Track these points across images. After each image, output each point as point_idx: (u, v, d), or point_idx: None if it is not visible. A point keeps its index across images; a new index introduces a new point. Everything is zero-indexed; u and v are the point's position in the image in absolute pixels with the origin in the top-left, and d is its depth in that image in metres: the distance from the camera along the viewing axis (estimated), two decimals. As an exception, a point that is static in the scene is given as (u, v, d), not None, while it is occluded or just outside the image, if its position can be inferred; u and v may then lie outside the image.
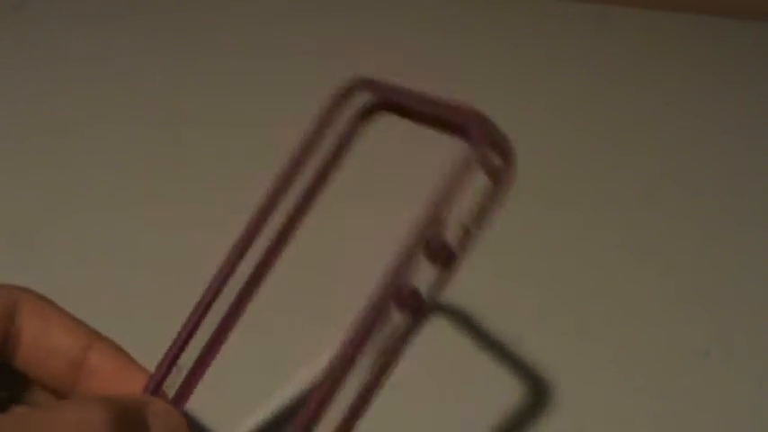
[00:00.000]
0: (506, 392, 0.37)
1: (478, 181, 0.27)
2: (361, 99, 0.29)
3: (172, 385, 0.30)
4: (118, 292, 0.44)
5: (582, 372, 0.38)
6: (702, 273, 0.45)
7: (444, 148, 0.27)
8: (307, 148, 0.28)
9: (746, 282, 0.44)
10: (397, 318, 0.26)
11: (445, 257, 0.26)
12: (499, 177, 0.28)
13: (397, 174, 0.52)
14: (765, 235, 0.48)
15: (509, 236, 0.48)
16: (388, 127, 0.30)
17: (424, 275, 0.25)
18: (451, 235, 0.26)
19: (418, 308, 0.26)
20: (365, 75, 0.29)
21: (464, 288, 0.43)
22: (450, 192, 0.26)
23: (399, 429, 0.35)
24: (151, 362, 0.39)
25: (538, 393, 0.37)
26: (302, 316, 0.42)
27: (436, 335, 0.41)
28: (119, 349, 0.29)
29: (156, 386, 0.29)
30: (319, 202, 0.28)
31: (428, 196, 0.26)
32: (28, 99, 0.64)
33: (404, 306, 0.26)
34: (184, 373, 0.29)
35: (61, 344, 0.27)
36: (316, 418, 0.25)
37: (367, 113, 0.30)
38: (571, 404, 0.37)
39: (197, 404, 0.29)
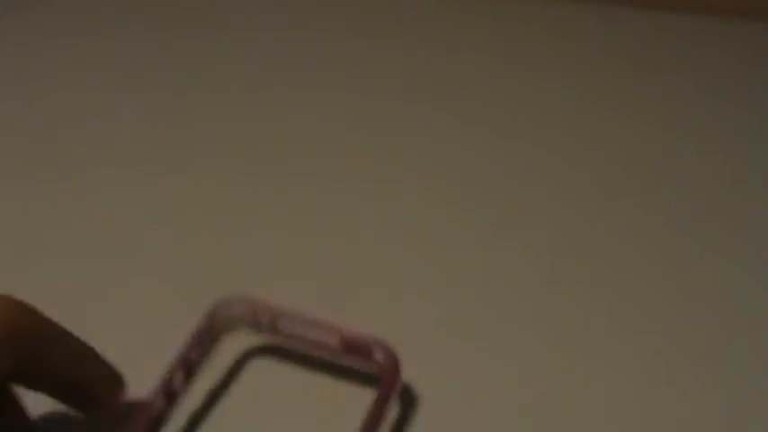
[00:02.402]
0: (506, 393, 0.37)
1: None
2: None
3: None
4: (117, 291, 0.44)
5: (582, 372, 0.38)
6: (702, 272, 0.45)
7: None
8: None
9: (746, 282, 0.44)
10: None
11: None
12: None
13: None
14: (765, 235, 0.48)
15: (508, 233, 0.48)
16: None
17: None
18: None
19: None
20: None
21: (462, 286, 0.43)
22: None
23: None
24: (151, 357, 0.39)
25: (538, 394, 0.37)
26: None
27: (439, 335, 0.41)
28: None
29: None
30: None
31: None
32: (27, 98, 0.64)
33: None
34: None
35: None
36: None
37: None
38: (571, 404, 0.36)
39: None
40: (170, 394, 0.33)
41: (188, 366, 0.34)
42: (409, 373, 0.37)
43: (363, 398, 0.36)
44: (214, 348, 0.36)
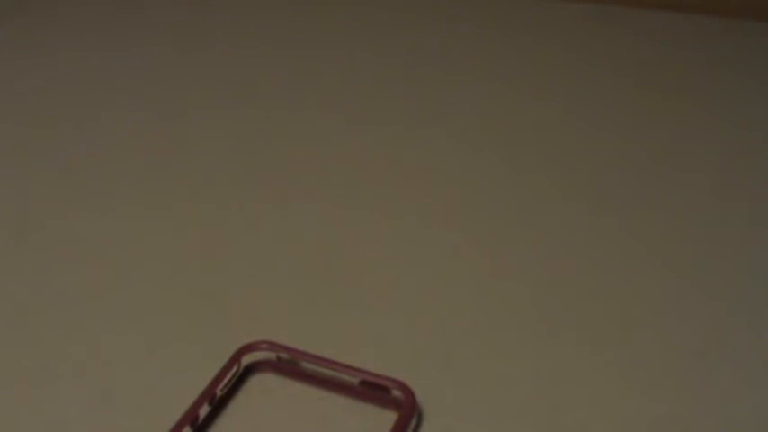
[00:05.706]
0: (508, 394, 0.37)
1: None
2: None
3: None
4: (116, 290, 0.44)
5: (582, 372, 0.38)
6: (703, 273, 0.45)
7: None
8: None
9: (746, 282, 0.44)
10: None
11: None
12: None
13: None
14: (765, 235, 0.48)
15: (509, 233, 0.47)
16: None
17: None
18: None
19: None
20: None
21: (463, 285, 0.43)
22: None
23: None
24: (149, 356, 0.39)
25: (539, 393, 0.37)
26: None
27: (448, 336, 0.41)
28: None
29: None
30: None
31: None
32: (29, 96, 0.63)
33: None
34: None
35: None
36: None
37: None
38: (572, 404, 0.36)
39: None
40: (195, 426, 0.35)
41: (212, 401, 0.36)
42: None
43: (376, 416, 0.36)
44: (239, 387, 0.37)
